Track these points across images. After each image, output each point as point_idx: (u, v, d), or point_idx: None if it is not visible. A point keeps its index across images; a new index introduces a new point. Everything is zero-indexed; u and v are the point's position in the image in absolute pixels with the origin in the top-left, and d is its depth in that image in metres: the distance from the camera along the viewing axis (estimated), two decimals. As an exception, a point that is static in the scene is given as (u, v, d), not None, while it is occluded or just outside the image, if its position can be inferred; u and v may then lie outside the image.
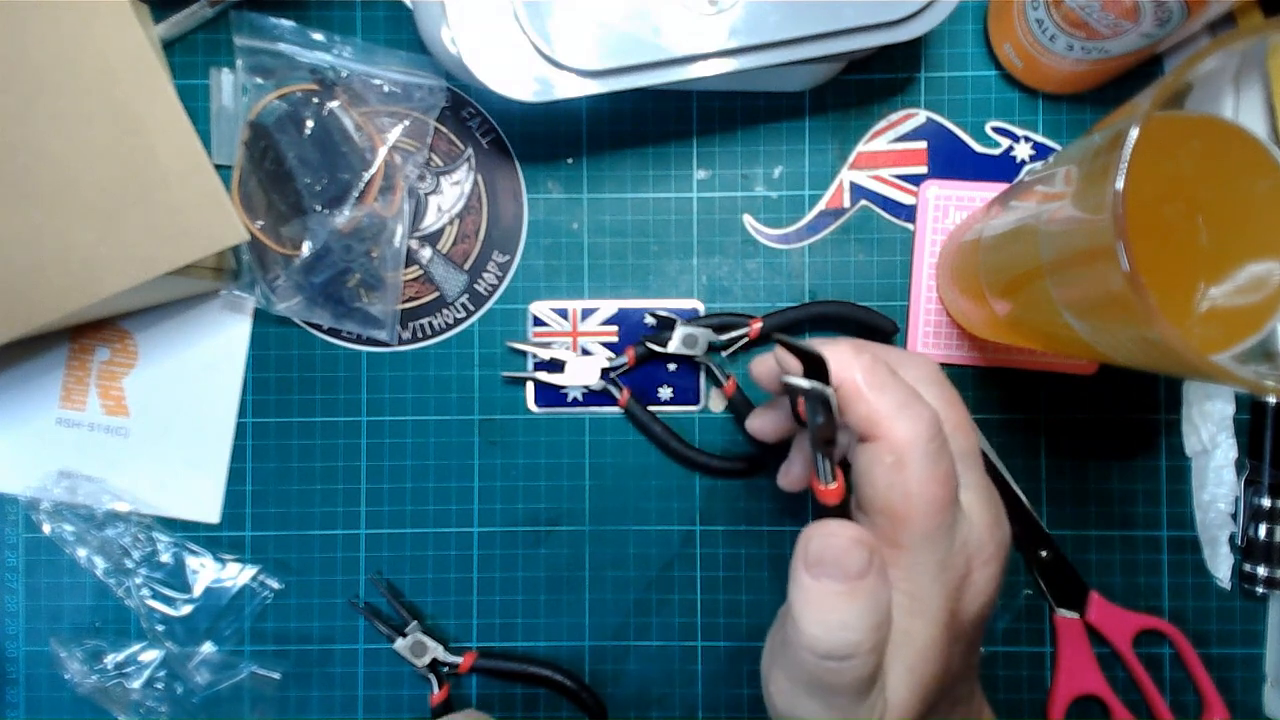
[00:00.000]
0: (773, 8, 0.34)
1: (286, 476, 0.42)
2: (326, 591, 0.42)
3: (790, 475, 0.33)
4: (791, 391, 0.25)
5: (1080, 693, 0.40)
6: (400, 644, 0.41)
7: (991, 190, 0.41)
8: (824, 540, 0.23)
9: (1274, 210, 0.28)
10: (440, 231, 0.42)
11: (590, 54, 0.34)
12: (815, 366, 0.24)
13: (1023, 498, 0.41)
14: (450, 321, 0.42)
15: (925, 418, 0.24)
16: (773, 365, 0.29)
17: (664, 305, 0.42)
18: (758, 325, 0.40)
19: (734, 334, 0.41)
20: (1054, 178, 0.28)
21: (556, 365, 0.41)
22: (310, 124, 0.40)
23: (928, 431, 0.23)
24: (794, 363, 0.25)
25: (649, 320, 0.42)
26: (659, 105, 0.42)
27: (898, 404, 0.24)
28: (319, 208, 0.40)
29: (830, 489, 0.24)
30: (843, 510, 0.24)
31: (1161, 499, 0.41)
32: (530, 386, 0.42)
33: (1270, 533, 0.40)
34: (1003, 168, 0.41)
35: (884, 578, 0.23)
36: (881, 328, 0.40)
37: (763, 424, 0.32)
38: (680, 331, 0.40)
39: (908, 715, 0.24)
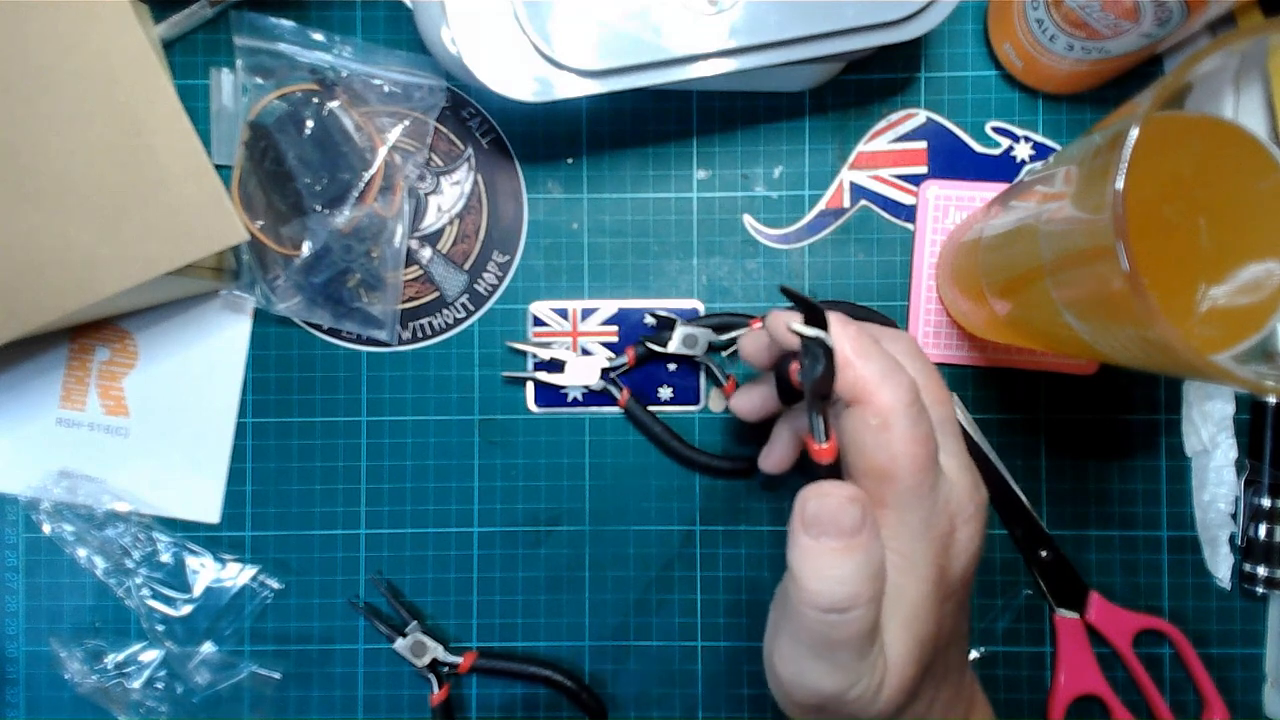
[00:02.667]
0: (773, 8, 0.34)
1: (286, 476, 0.42)
2: (326, 591, 0.42)
3: (772, 457, 0.34)
4: (795, 349, 0.27)
5: (1080, 693, 0.40)
6: (400, 644, 0.41)
7: (991, 190, 0.41)
8: (820, 501, 0.24)
9: (1274, 210, 0.28)
10: (440, 231, 0.42)
11: (590, 54, 0.34)
12: (815, 319, 0.26)
13: (1023, 498, 0.41)
14: (450, 321, 0.42)
15: (906, 384, 0.26)
16: (763, 336, 0.30)
17: (664, 305, 0.42)
18: (758, 325, 0.40)
19: (734, 334, 0.41)
20: (1054, 178, 0.28)
21: (556, 365, 0.41)
22: (310, 124, 0.40)
23: (908, 396, 0.25)
24: (790, 338, 0.27)
25: (649, 320, 0.42)
26: (659, 105, 0.42)
27: (882, 371, 0.26)
28: (319, 208, 0.40)
29: (824, 447, 0.25)
30: (835, 471, 0.26)
31: (1161, 499, 0.41)
32: (530, 386, 0.42)
33: (1270, 533, 0.40)
34: (1003, 168, 0.41)
35: (876, 533, 0.24)
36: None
37: (749, 400, 0.33)
38: (680, 331, 0.40)
39: (906, 671, 0.25)
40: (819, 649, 0.24)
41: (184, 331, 0.42)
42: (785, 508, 0.42)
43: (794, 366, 0.28)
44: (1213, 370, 0.22)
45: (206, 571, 0.42)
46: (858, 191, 0.42)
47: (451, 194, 0.42)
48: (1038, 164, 0.41)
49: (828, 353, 0.25)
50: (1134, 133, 0.22)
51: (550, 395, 0.42)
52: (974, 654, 0.41)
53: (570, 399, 0.42)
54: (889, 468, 0.25)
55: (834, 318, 0.27)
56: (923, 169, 0.41)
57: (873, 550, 0.24)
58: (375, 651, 0.42)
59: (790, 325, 0.26)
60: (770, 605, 0.29)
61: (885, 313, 0.41)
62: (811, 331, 0.25)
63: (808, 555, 0.24)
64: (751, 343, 0.32)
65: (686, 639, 0.42)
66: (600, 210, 0.42)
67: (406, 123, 0.41)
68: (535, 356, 0.42)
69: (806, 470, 0.29)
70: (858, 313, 0.40)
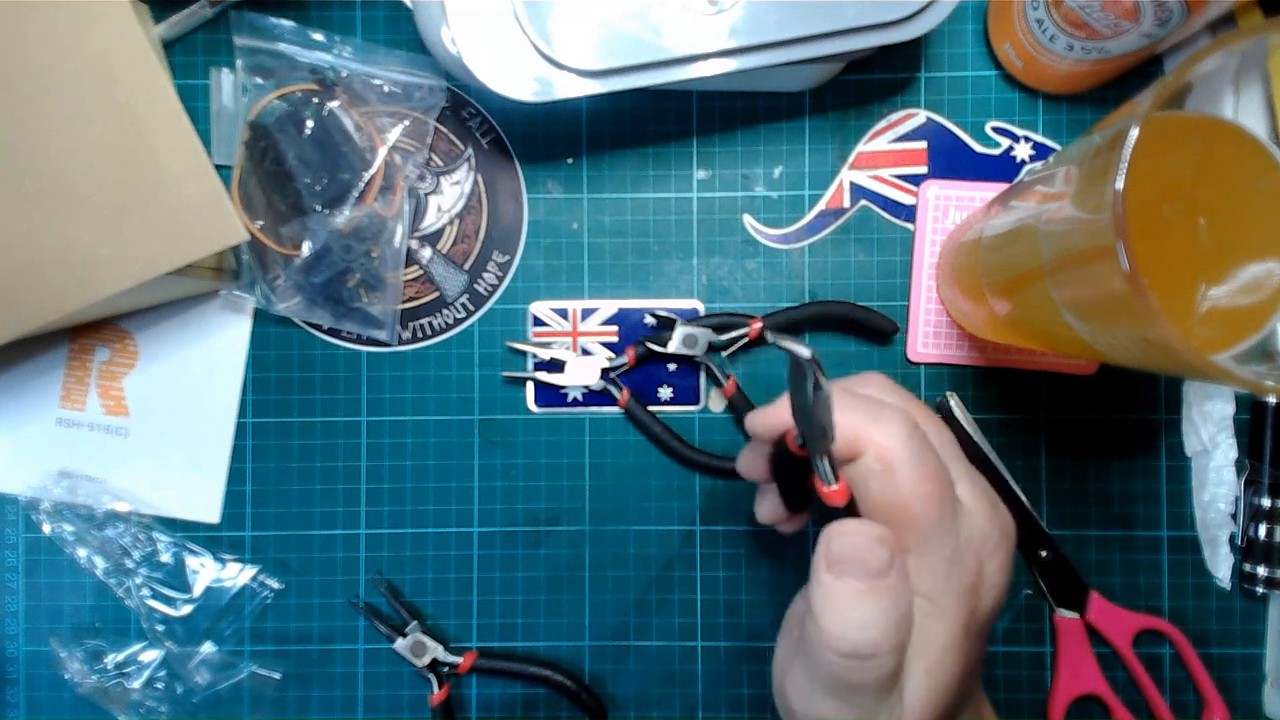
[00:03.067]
0: (773, 8, 0.34)
1: (286, 476, 0.42)
2: (326, 591, 0.42)
3: (764, 508, 0.33)
4: (786, 428, 0.26)
5: (1080, 693, 0.40)
6: (400, 644, 0.41)
7: (991, 190, 0.41)
8: (844, 539, 0.23)
9: (1274, 210, 0.28)
10: (440, 231, 0.42)
11: (590, 54, 0.34)
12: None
13: (1023, 498, 0.41)
14: (450, 321, 0.42)
15: (899, 419, 0.24)
16: (756, 447, 0.30)
17: (664, 305, 0.42)
18: (758, 325, 0.40)
19: (734, 334, 0.41)
20: (1054, 178, 0.28)
21: (556, 365, 0.41)
22: (310, 124, 0.40)
23: (905, 430, 0.24)
24: (774, 422, 0.27)
25: (649, 320, 0.42)
26: (659, 105, 0.42)
27: (869, 415, 0.24)
28: (319, 208, 0.40)
29: (835, 489, 0.24)
30: (853, 511, 0.24)
31: (1161, 499, 0.41)
32: (530, 386, 0.42)
33: (1270, 533, 0.40)
34: (1003, 168, 0.41)
35: (904, 577, 0.23)
36: (881, 328, 0.40)
37: (754, 462, 0.32)
38: (680, 331, 0.40)
39: (925, 714, 0.24)
40: (836, 690, 0.23)
41: (184, 331, 0.42)
42: (785, 508, 0.42)
43: (789, 435, 0.27)
44: (1213, 370, 0.22)
45: (206, 571, 0.42)
46: (858, 191, 0.42)
47: (451, 194, 0.42)
48: (1038, 164, 0.41)
49: (815, 376, 0.23)
50: (1134, 133, 0.22)
51: (550, 395, 0.42)
52: (974, 654, 0.41)
53: (570, 399, 0.42)
54: (901, 511, 0.24)
55: None
56: (923, 169, 0.41)
57: (900, 594, 0.23)
58: (375, 651, 0.42)
59: (775, 340, 0.24)
60: (780, 633, 0.28)
61: (885, 313, 0.41)
62: (789, 344, 0.23)
63: (830, 595, 0.23)
64: (749, 456, 0.31)
65: (686, 639, 0.42)
66: (600, 210, 0.42)
67: (406, 123, 0.41)
68: (535, 357, 0.42)
69: (809, 512, 0.29)
70: (856, 312, 0.40)
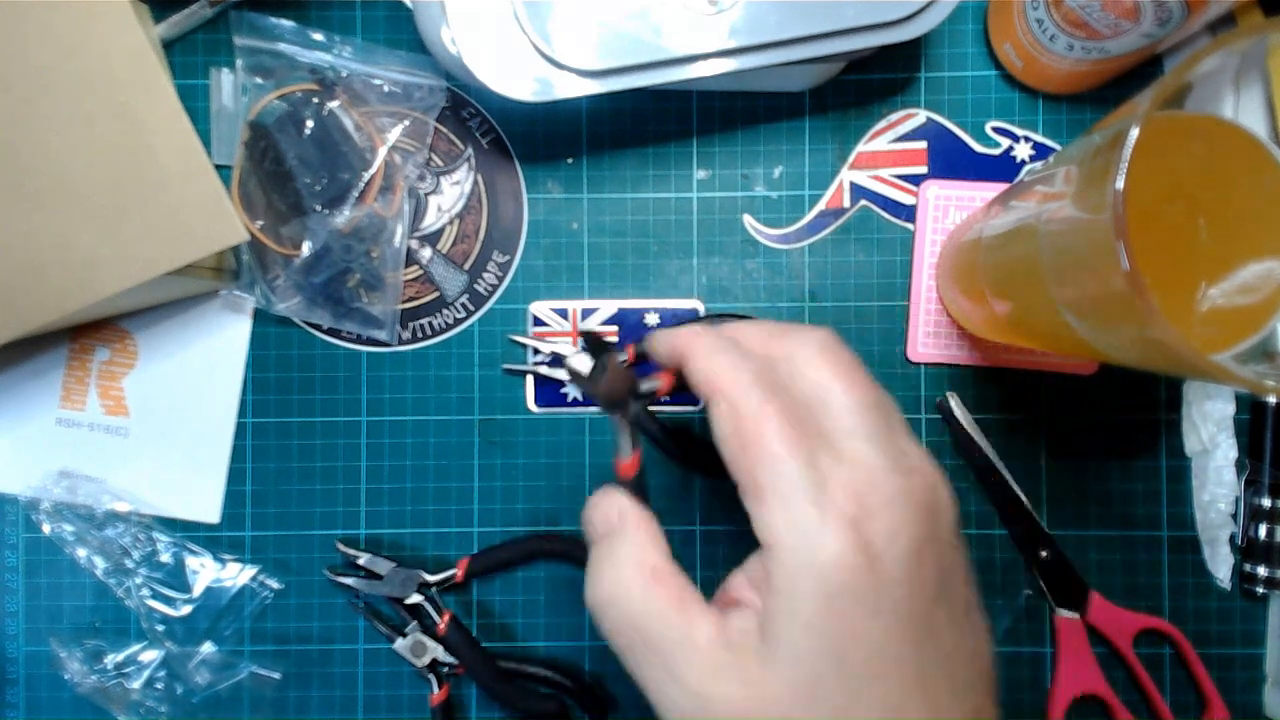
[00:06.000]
0: (773, 8, 0.34)
1: (286, 476, 0.42)
2: (326, 591, 0.42)
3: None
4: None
5: (1080, 693, 0.40)
6: (400, 644, 0.41)
7: (991, 190, 0.41)
8: (588, 505, 0.26)
9: (1274, 210, 0.28)
10: (440, 231, 0.42)
11: (590, 54, 0.34)
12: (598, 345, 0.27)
13: (1023, 498, 0.41)
14: (450, 321, 0.42)
15: (749, 366, 0.24)
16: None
17: (664, 305, 0.42)
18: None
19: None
20: (1054, 178, 0.28)
21: (557, 363, 0.42)
22: (310, 124, 0.40)
23: (751, 375, 0.23)
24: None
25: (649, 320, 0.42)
26: (659, 105, 0.42)
27: (725, 361, 0.24)
28: (319, 208, 0.40)
29: (628, 461, 0.26)
30: (639, 481, 0.27)
31: (1161, 499, 0.41)
32: (530, 386, 0.42)
33: (1270, 533, 0.40)
34: (1003, 168, 0.41)
35: (618, 528, 0.25)
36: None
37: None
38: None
39: (791, 670, 0.21)
40: (623, 651, 0.24)
41: (184, 331, 0.42)
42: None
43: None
44: (1213, 370, 0.22)
45: (206, 571, 0.42)
46: (858, 191, 0.42)
47: (451, 194, 0.42)
48: (1038, 164, 0.41)
49: (601, 355, 0.25)
50: (1134, 133, 0.22)
51: (550, 395, 0.42)
52: (974, 654, 0.41)
53: (570, 399, 0.42)
54: (740, 446, 0.23)
55: (684, 331, 0.26)
56: (923, 169, 0.41)
57: (619, 539, 0.25)
58: (375, 651, 0.42)
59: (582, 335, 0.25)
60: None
61: (885, 313, 0.41)
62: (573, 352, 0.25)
63: (591, 564, 0.25)
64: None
65: (686, 639, 0.42)
66: (600, 210, 0.42)
67: (406, 123, 0.41)
68: (537, 352, 0.42)
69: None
70: (715, 321, 0.41)
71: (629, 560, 0.24)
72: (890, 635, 0.21)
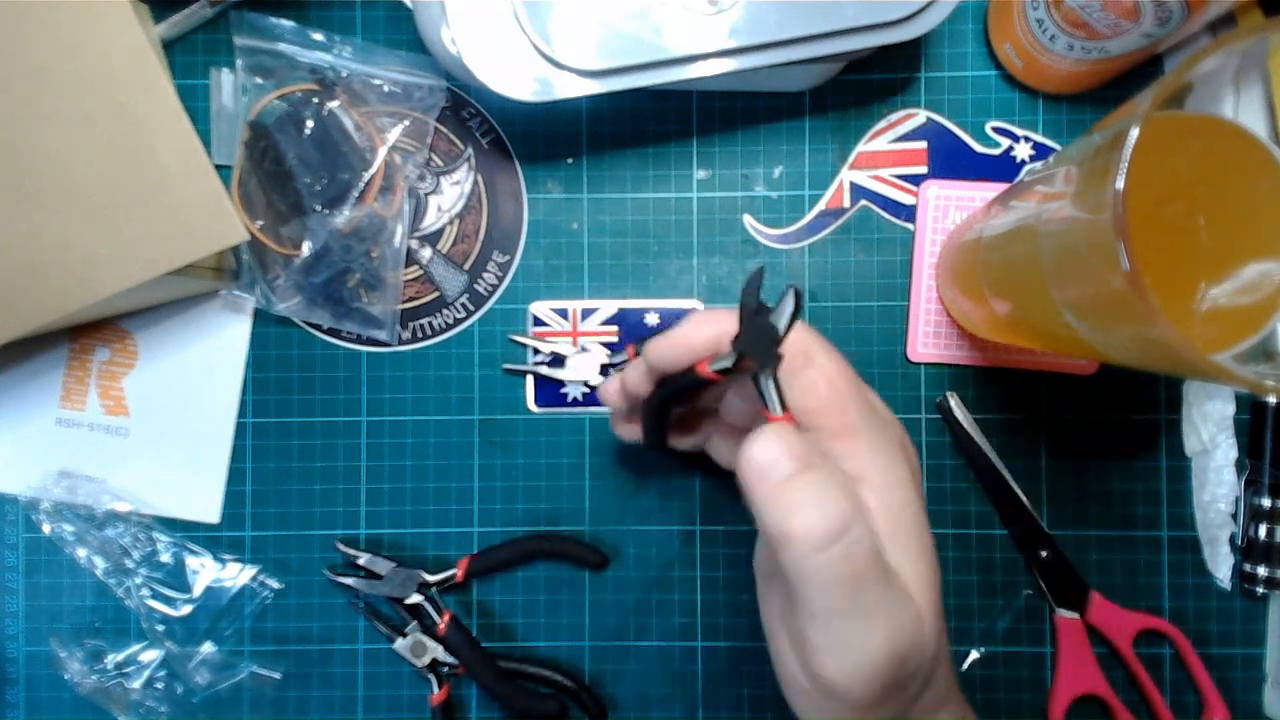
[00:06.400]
0: (773, 8, 0.34)
1: (286, 476, 0.42)
2: (326, 591, 0.42)
3: (624, 430, 0.35)
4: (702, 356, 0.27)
5: (1080, 693, 0.40)
6: (400, 644, 0.41)
7: (991, 190, 0.41)
8: (757, 446, 0.23)
9: (1274, 210, 0.28)
10: (440, 231, 0.42)
11: (590, 54, 0.34)
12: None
13: (1023, 498, 0.41)
14: (450, 321, 0.42)
15: (810, 333, 0.26)
16: (642, 365, 0.30)
17: (664, 305, 0.42)
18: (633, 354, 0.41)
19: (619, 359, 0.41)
20: (1054, 178, 0.28)
21: (557, 363, 0.42)
22: (310, 124, 0.40)
23: (803, 326, 0.26)
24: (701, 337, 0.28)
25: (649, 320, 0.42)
26: (659, 105, 0.42)
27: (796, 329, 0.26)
28: (319, 208, 0.40)
29: (781, 417, 0.24)
30: None
31: (1161, 499, 0.41)
32: (530, 386, 0.42)
33: (1270, 533, 0.40)
34: (1003, 168, 0.41)
35: (819, 449, 0.24)
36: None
37: (628, 392, 0.32)
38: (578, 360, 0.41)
39: (930, 594, 0.24)
40: (845, 603, 0.22)
41: (184, 331, 0.42)
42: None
43: (701, 364, 0.27)
44: (1213, 370, 0.22)
45: (206, 571, 0.42)
46: (858, 191, 0.42)
47: (451, 194, 0.42)
48: (1038, 164, 0.41)
49: (787, 311, 0.24)
50: (1134, 133, 0.22)
51: (550, 395, 0.42)
52: (974, 654, 0.41)
53: (570, 399, 0.42)
54: (833, 392, 0.25)
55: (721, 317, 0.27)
56: (923, 169, 0.41)
57: (830, 463, 0.23)
58: (375, 651, 0.42)
59: (744, 302, 0.25)
60: (761, 607, 0.28)
61: (885, 313, 0.41)
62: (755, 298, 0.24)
63: (778, 499, 0.23)
64: (633, 374, 0.31)
65: (686, 639, 0.42)
66: (600, 210, 0.42)
67: (406, 123, 0.41)
68: (537, 352, 0.42)
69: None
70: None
71: (835, 482, 0.23)
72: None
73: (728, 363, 0.25)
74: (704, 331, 0.27)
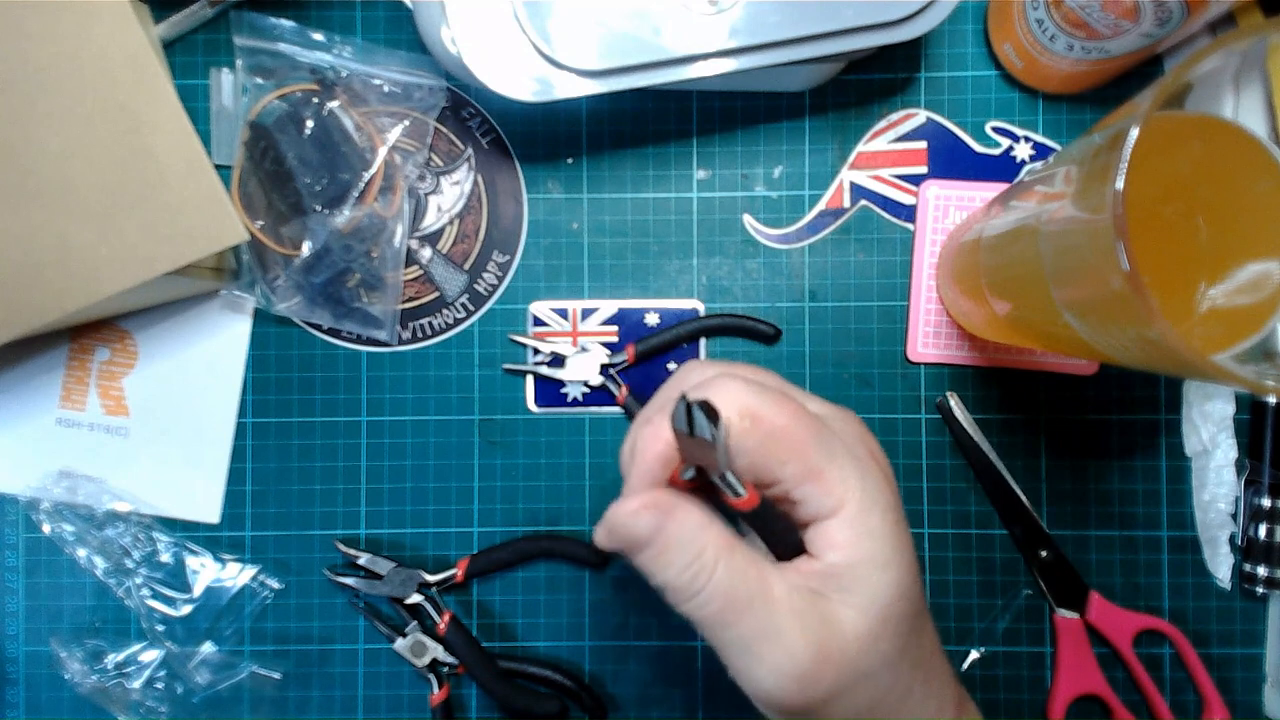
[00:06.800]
0: (773, 8, 0.34)
1: (286, 476, 0.42)
2: (326, 591, 0.42)
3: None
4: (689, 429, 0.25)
5: (1080, 693, 0.40)
6: (400, 644, 0.41)
7: (991, 190, 0.41)
8: (612, 526, 0.25)
9: (1274, 210, 0.28)
10: (440, 231, 0.42)
11: (590, 54, 0.34)
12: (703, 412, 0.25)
13: (1023, 498, 0.41)
14: (450, 321, 0.42)
15: (726, 378, 0.26)
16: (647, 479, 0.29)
17: (664, 305, 0.42)
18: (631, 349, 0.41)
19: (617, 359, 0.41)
20: (1054, 178, 0.28)
21: (557, 363, 0.42)
22: (310, 124, 0.40)
23: (738, 384, 0.26)
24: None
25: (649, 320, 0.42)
26: (659, 105, 0.42)
27: (710, 390, 0.26)
28: (319, 208, 0.40)
29: (745, 498, 0.25)
30: (764, 510, 0.26)
31: (1161, 499, 0.41)
32: (530, 386, 0.42)
33: (1270, 533, 0.40)
34: (1003, 168, 0.41)
35: (670, 502, 0.25)
36: (763, 333, 0.41)
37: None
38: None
39: (901, 602, 0.25)
40: (720, 640, 0.25)
41: (184, 331, 0.42)
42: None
43: (674, 476, 0.27)
44: (1213, 370, 0.22)
45: (206, 571, 0.42)
46: (858, 191, 0.42)
47: (451, 194, 0.42)
48: (1038, 164, 0.41)
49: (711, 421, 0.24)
50: (1134, 133, 0.22)
51: (550, 395, 0.42)
52: (974, 654, 0.41)
53: (570, 399, 0.42)
54: (787, 443, 0.25)
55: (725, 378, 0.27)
56: (923, 169, 0.41)
57: (680, 514, 0.25)
58: (375, 651, 0.42)
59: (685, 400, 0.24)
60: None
61: (885, 313, 0.41)
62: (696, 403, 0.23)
63: (644, 564, 0.25)
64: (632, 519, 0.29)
65: (686, 639, 0.42)
66: (600, 210, 0.42)
67: (406, 123, 0.41)
68: (537, 351, 0.42)
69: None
70: (742, 321, 0.41)
71: (689, 531, 0.25)
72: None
73: (691, 472, 0.26)
74: (656, 449, 0.27)
